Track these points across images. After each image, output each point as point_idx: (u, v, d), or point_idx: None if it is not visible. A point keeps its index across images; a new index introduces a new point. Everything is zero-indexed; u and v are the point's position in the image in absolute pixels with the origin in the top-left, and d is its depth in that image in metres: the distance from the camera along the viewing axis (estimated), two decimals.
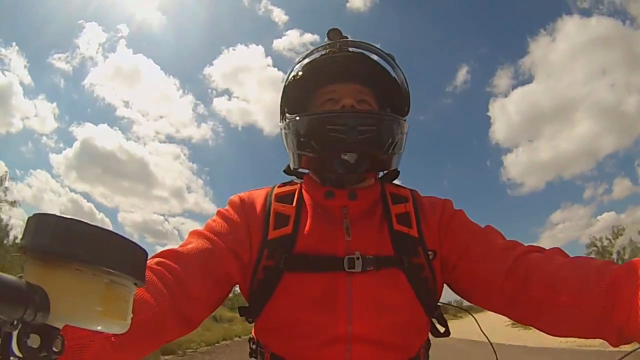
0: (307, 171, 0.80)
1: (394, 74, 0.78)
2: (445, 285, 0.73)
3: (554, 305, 0.57)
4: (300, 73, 0.78)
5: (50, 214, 0.27)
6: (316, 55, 0.77)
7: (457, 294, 0.74)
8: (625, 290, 0.50)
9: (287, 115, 0.78)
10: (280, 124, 0.79)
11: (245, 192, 0.77)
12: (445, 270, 0.70)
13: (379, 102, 0.79)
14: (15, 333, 0.25)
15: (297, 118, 0.73)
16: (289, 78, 0.78)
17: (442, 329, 0.73)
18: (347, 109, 0.71)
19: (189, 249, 0.64)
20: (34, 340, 0.25)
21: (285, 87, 0.79)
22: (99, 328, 0.28)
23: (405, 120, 0.76)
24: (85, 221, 0.27)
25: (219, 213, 0.73)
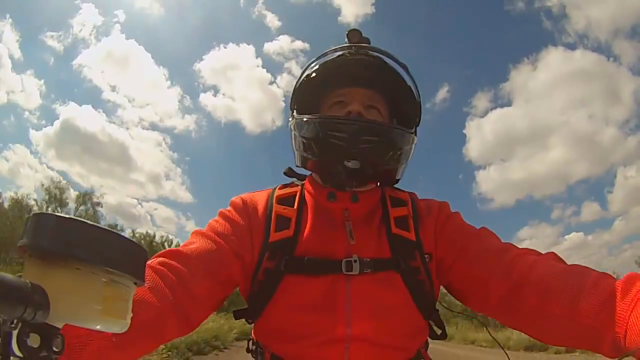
0: (308, 173, 0.79)
1: (409, 82, 0.76)
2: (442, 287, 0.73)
3: (548, 314, 0.56)
4: (313, 73, 0.76)
5: (51, 214, 0.27)
6: (331, 56, 0.75)
7: (453, 296, 0.73)
8: (620, 307, 0.49)
9: (295, 115, 0.76)
10: (289, 122, 0.78)
11: (247, 193, 0.76)
12: (441, 271, 0.70)
13: (389, 109, 0.77)
14: (15, 332, 0.25)
15: (304, 119, 0.72)
16: (302, 77, 0.77)
17: (439, 332, 0.73)
18: (351, 117, 0.69)
19: (192, 249, 0.64)
20: (33, 340, 0.25)
21: (296, 86, 0.78)
22: (98, 327, 0.28)
23: (412, 132, 0.74)
24: (86, 220, 0.27)
25: (221, 214, 0.73)
